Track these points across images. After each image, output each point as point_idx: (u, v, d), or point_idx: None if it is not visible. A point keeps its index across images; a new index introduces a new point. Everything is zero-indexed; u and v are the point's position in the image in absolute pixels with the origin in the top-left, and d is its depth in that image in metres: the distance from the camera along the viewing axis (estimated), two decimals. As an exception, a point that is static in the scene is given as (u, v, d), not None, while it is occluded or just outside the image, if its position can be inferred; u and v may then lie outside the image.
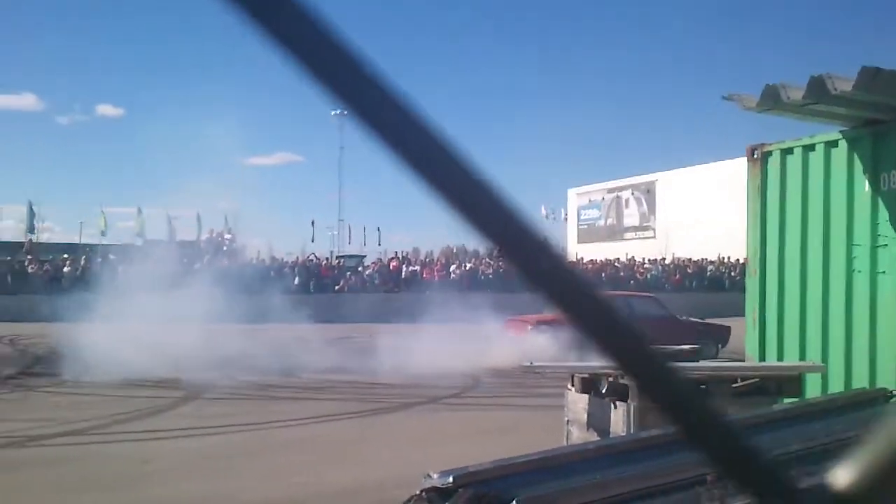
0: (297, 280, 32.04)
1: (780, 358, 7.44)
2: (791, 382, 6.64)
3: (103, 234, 41.16)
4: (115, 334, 17.50)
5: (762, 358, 7.61)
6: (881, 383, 6.35)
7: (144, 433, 9.34)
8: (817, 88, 6.09)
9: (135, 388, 12.85)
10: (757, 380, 6.66)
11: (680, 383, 0.41)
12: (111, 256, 32.51)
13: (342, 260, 37.46)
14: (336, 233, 52.14)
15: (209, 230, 38.31)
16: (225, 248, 36.62)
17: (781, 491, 0.40)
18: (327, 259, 37.27)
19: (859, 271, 6.90)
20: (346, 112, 0.45)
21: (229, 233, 39.21)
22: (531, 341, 16.48)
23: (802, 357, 7.22)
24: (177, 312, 23.28)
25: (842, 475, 0.40)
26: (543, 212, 54.59)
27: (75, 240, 42.44)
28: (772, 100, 6.52)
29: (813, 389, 6.85)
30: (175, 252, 34.30)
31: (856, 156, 6.98)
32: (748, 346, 7.84)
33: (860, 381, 6.63)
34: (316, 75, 0.44)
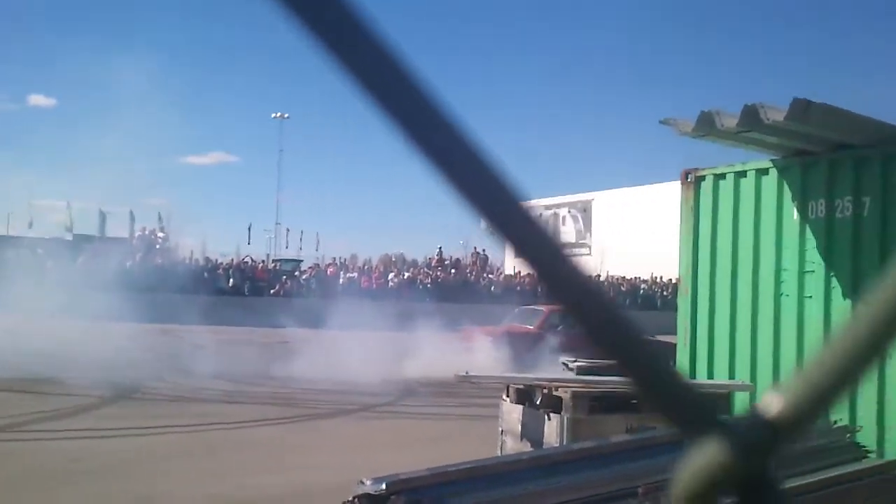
0: (230, 282, 31.57)
1: (709, 376, 7.65)
2: (720, 400, 6.84)
3: (31, 226, 39.89)
4: (25, 329, 16.98)
5: (692, 376, 7.81)
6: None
7: (69, 432, 9.09)
8: (751, 117, 6.32)
9: (50, 385, 12.48)
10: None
11: (624, 326, 0.45)
12: (39, 250, 31.50)
13: (278, 264, 37.03)
14: (273, 236, 51.57)
15: (141, 227, 37.46)
16: (157, 247, 35.87)
17: (711, 422, 0.44)
18: (263, 262, 36.81)
19: (787, 295, 7.16)
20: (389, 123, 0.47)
21: (162, 231, 38.44)
22: (487, 352, 16.46)
23: (731, 376, 7.44)
24: (101, 311, 22.75)
25: (773, 402, 0.44)
26: (483, 224, 54.96)
27: (1, 231, 41.01)
28: (707, 126, 6.74)
29: (741, 407, 7.07)
30: (106, 248, 33.46)
31: (785, 184, 7.25)
32: (679, 364, 8.04)
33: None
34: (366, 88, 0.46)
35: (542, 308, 20.05)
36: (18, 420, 9.60)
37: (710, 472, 0.42)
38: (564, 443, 5.99)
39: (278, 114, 55.13)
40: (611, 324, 0.45)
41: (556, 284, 0.45)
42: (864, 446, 5.94)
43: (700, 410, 0.46)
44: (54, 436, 8.93)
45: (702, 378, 7.69)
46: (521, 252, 0.47)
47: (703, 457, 0.43)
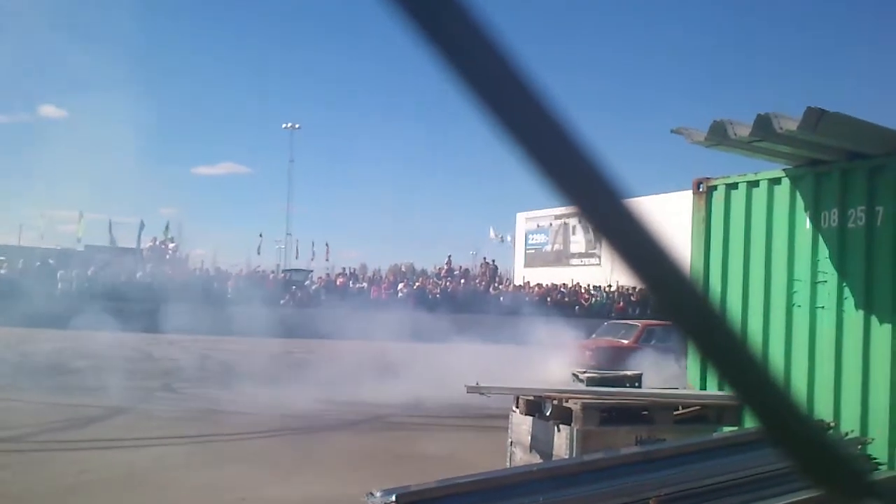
0: (241, 293, 31.60)
1: (720, 388, 7.59)
2: (731, 411, 6.78)
3: (42, 237, 40.09)
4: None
5: (703, 387, 7.75)
6: (819, 416, 6.52)
7: (79, 443, 9.10)
8: (763, 126, 6.28)
9: (60, 395, 12.50)
10: (698, 408, 6.79)
11: (773, 387, 0.43)
12: (50, 261, 31.65)
13: (288, 274, 37.08)
14: (283, 246, 51.65)
15: (152, 238, 37.60)
16: (168, 257, 36.00)
17: (866, 486, 0.41)
18: (273, 273, 36.87)
19: (799, 306, 7.10)
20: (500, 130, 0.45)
21: (172, 241, 38.58)
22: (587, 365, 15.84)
23: (741, 387, 7.37)
24: (112, 321, 22.85)
25: None
26: (492, 234, 54.94)
27: (13, 242, 41.26)
28: (719, 135, 6.70)
29: (752, 420, 6.99)
30: (117, 259, 33.64)
31: (798, 193, 7.20)
32: (690, 374, 7.98)
33: (796, 412, 6.79)
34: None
35: (637, 323, 20.10)
36: (28, 431, 9.61)
37: None
38: (574, 454, 5.94)
39: (289, 124, 55.30)
40: (752, 376, 0.42)
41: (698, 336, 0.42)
42: (876, 458, 5.87)
43: (854, 474, 0.42)
44: (64, 447, 8.92)
45: (713, 389, 7.63)
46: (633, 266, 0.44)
47: None
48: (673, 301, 0.44)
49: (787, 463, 0.42)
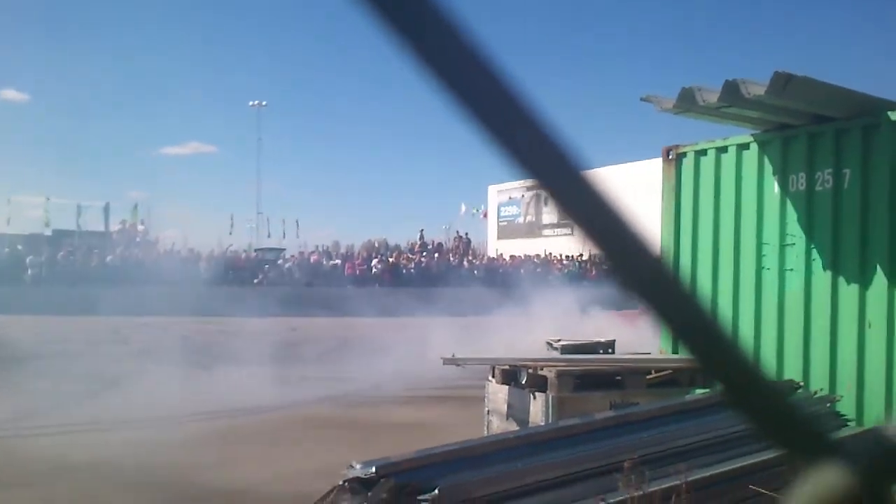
0: (213, 272, 31.40)
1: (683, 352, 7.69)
2: (702, 374, 6.89)
3: (9, 222, 39.45)
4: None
5: (675, 351, 7.85)
6: (788, 375, 6.65)
7: (61, 427, 9.04)
8: (731, 92, 6.32)
9: (37, 380, 12.41)
10: (669, 371, 6.89)
11: (733, 351, 0.43)
12: (19, 247, 31.20)
13: (261, 253, 36.88)
14: (255, 225, 51.25)
15: (120, 221, 37.16)
16: (137, 240, 35.63)
17: (828, 446, 0.42)
18: (245, 252, 36.65)
19: (768, 268, 7.20)
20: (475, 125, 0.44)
21: (141, 224, 38.18)
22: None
23: (713, 350, 7.48)
24: (85, 306, 22.63)
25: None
26: (463, 208, 54.92)
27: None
28: (687, 102, 6.74)
29: (712, 383, 7.11)
30: (85, 243, 33.23)
31: (766, 158, 7.28)
32: (662, 339, 8.08)
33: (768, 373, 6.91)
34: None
35: None
36: (4, 417, 9.54)
37: (829, 498, 0.40)
38: (550, 421, 6.01)
39: (255, 102, 54.71)
40: (713, 343, 0.43)
41: (641, 288, 0.42)
42: (844, 415, 6.00)
43: (816, 434, 0.43)
44: (40, 431, 8.87)
45: (682, 354, 7.73)
46: (590, 235, 0.44)
47: (821, 482, 0.40)
48: (633, 272, 0.45)
49: (747, 426, 0.43)
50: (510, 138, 0.45)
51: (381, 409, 10.31)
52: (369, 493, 4.07)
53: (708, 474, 4.46)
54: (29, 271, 28.86)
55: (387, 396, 11.38)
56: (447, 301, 22.49)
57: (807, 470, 0.41)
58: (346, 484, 4.22)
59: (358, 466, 4.24)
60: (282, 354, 15.56)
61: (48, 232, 36.14)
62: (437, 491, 3.95)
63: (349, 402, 11.04)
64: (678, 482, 3.50)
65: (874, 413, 6.28)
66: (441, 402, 10.70)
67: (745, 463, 4.70)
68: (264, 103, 55.06)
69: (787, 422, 0.43)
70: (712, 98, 6.51)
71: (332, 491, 4.28)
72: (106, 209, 37.54)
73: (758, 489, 4.34)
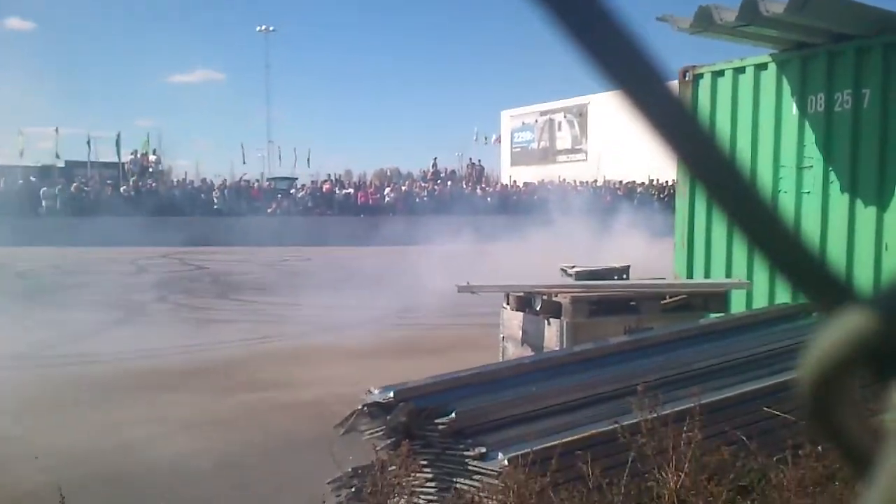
0: (226, 203, 31.48)
1: (706, 276, 7.71)
2: (717, 299, 6.91)
3: (22, 154, 39.42)
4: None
5: (690, 276, 7.87)
6: (803, 299, 6.65)
7: (77, 357, 9.22)
8: (750, 10, 6.16)
9: (58, 311, 12.62)
10: (684, 296, 6.91)
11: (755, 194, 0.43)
12: (32, 178, 31.28)
13: (273, 182, 36.86)
14: (265, 154, 51.06)
15: (132, 151, 37.05)
16: (150, 170, 35.63)
17: (850, 293, 0.42)
18: (258, 181, 36.63)
19: (785, 192, 7.14)
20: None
21: (154, 154, 38.09)
22: None
23: (728, 275, 7.49)
24: (99, 237, 22.79)
25: None
26: (476, 134, 54.45)
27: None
28: (705, 21, 6.58)
29: (738, 305, 7.14)
30: (98, 174, 33.29)
31: (784, 78, 7.14)
32: (677, 264, 8.09)
33: (783, 296, 6.93)
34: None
35: None
36: (24, 350, 9.74)
37: (849, 345, 0.39)
38: (564, 346, 6.08)
39: (263, 27, 53.85)
40: (745, 197, 0.42)
41: (693, 157, 0.42)
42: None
43: (837, 282, 0.43)
44: (71, 360, 9.05)
45: (699, 277, 7.75)
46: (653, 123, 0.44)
47: (841, 329, 0.40)
48: (716, 181, 0.44)
49: (778, 276, 0.43)
50: (598, 44, 0.44)
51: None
52: (388, 417, 4.16)
53: (721, 397, 4.51)
54: (43, 203, 29.01)
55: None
56: (461, 229, 22.48)
57: (829, 315, 0.41)
58: (365, 408, 4.31)
59: (376, 391, 4.32)
60: (296, 284, 15.71)
61: (60, 164, 36.14)
62: (453, 414, 4.02)
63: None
64: (691, 405, 3.54)
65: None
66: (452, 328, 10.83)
67: (758, 386, 4.75)
68: (272, 28, 54.21)
69: (811, 269, 0.43)
70: (730, 17, 6.35)
71: (351, 415, 4.37)
72: (118, 140, 37.42)
73: (771, 411, 4.39)
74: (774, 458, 3.67)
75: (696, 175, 0.43)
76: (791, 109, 7.08)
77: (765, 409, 4.43)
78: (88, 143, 37.19)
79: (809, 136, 6.95)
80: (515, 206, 32.68)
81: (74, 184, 30.41)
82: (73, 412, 6.83)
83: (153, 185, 32.37)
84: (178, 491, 4.90)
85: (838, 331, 0.40)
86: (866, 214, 6.50)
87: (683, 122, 0.44)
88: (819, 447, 3.61)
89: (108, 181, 31.74)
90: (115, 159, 36.87)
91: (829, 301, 0.41)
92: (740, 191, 0.43)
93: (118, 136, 37.34)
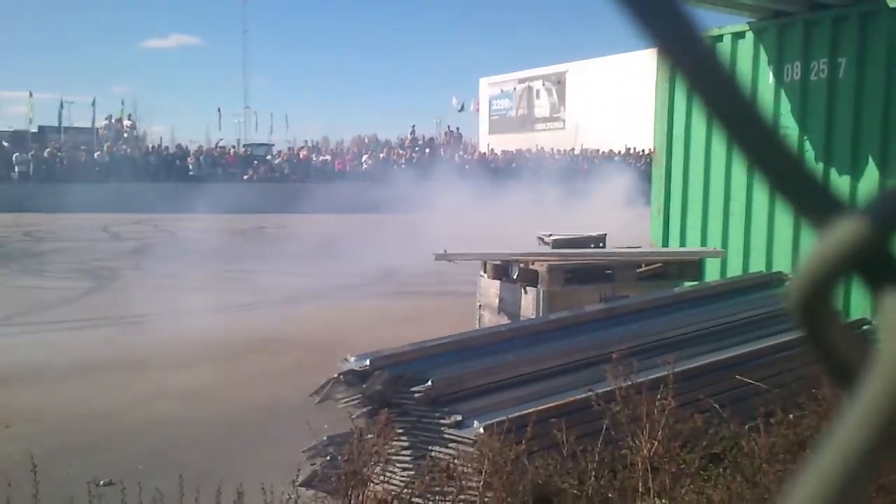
0: (202, 169, 31.17)
1: (682, 244, 7.76)
2: (691, 267, 6.96)
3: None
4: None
5: (665, 244, 7.91)
6: (777, 268, 6.72)
7: (53, 324, 9.14)
8: (729, -22, 6.15)
9: (29, 278, 12.49)
10: (659, 264, 6.95)
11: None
12: (4, 143, 30.73)
13: (249, 149, 36.50)
14: (242, 120, 50.48)
15: (106, 116, 36.47)
16: (125, 135, 35.13)
17: (840, 205, 0.42)
18: (234, 147, 36.26)
19: (760, 160, 7.16)
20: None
21: (129, 119, 37.55)
22: None
23: (704, 243, 7.54)
24: (74, 202, 22.52)
25: None
26: (455, 101, 54.10)
27: (-39, 125, 39.75)
28: (685, -11, 6.55)
29: (712, 274, 7.20)
30: (72, 139, 32.77)
31: (761, 47, 7.14)
32: (652, 232, 8.13)
33: (757, 265, 6.99)
34: None
35: None
36: (7, 313, 9.64)
37: (841, 253, 0.39)
38: (540, 314, 6.10)
39: (242, -8, 52.92)
40: (739, 109, 0.42)
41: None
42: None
43: (831, 195, 0.43)
44: (42, 328, 8.97)
45: (674, 246, 7.80)
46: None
47: (833, 238, 0.40)
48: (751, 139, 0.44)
49: (767, 185, 0.43)
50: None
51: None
52: (364, 385, 4.16)
53: (695, 365, 4.56)
54: (16, 168, 28.55)
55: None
56: (438, 196, 22.41)
57: (821, 228, 0.42)
58: (342, 376, 4.31)
59: (352, 359, 4.31)
60: (273, 251, 15.63)
61: (34, 129, 35.52)
62: (429, 382, 4.03)
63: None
64: (665, 373, 3.57)
65: (863, 301, 6.39)
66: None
67: (731, 354, 4.80)
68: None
69: (804, 183, 0.43)
70: (709, -16, 6.33)
71: (327, 383, 4.37)
72: (93, 105, 36.80)
73: (744, 379, 4.44)
74: (746, 426, 3.72)
75: (697, 91, 0.43)
76: (767, 78, 7.09)
77: (737, 377, 4.49)
78: (61, 106, 36.52)
79: (785, 105, 6.97)
80: (493, 173, 32.61)
81: (48, 149, 29.95)
82: (46, 381, 6.78)
83: (127, 150, 31.95)
84: (152, 460, 4.89)
85: (830, 239, 0.40)
86: (840, 183, 6.55)
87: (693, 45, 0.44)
88: (790, 415, 3.67)
89: (82, 147, 31.26)
90: (90, 125, 36.32)
91: (821, 214, 0.41)
92: (740, 106, 0.43)
93: (93, 101, 36.76)
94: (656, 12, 0.43)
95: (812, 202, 0.42)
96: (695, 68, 0.44)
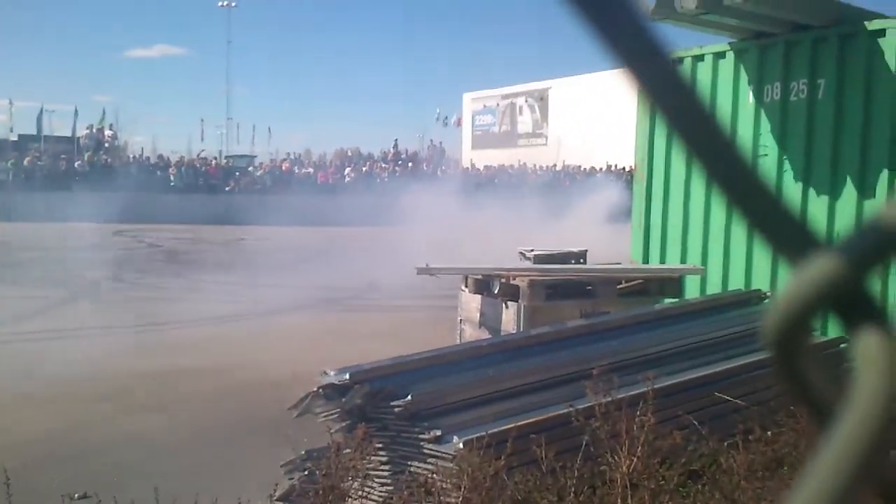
0: (183, 180, 30.99)
1: (662, 261, 7.80)
2: (672, 284, 6.99)
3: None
4: None
5: (645, 260, 7.95)
6: (756, 285, 6.77)
7: (30, 334, 9.03)
8: (711, -1, 6.21)
9: (7, 287, 12.35)
10: (640, 281, 6.98)
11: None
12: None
13: (231, 160, 36.35)
14: (225, 131, 50.26)
15: (87, 126, 36.20)
16: (106, 145, 34.88)
17: (815, 241, 0.42)
18: (215, 159, 36.09)
19: (739, 179, 7.22)
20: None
21: (110, 129, 37.30)
22: None
23: (683, 260, 7.58)
24: (53, 212, 22.31)
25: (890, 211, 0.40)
26: (438, 113, 54.15)
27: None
28: (666, 8, 6.61)
29: (692, 291, 7.24)
30: (52, 148, 32.50)
31: (742, 67, 7.22)
32: (633, 249, 8.16)
33: (736, 283, 7.04)
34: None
35: None
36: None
37: (817, 289, 0.39)
38: (522, 329, 6.10)
39: (225, 2, 52.88)
40: (723, 150, 0.42)
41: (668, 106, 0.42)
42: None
43: (808, 232, 0.43)
44: (17, 338, 8.86)
45: (654, 262, 7.83)
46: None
47: (809, 275, 0.40)
48: (717, 165, 0.44)
49: (745, 223, 0.43)
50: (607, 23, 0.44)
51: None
52: (343, 399, 4.13)
53: (674, 382, 4.57)
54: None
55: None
56: (421, 210, 22.42)
57: (798, 264, 0.42)
58: (321, 390, 4.28)
59: (332, 373, 4.29)
60: (254, 263, 15.55)
61: (14, 137, 35.19)
62: (409, 397, 4.02)
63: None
64: (645, 389, 3.58)
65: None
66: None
67: (710, 371, 4.82)
68: (234, 4, 53.26)
69: (781, 220, 0.43)
70: (691, 4, 6.39)
71: (306, 397, 4.34)
72: (74, 114, 36.51)
73: (723, 396, 4.46)
74: (725, 443, 3.73)
75: (677, 130, 0.43)
76: (748, 98, 7.16)
77: (716, 394, 4.50)
78: (40, 115, 36.21)
79: (765, 124, 7.04)
80: (475, 188, 32.65)
81: (27, 158, 29.68)
82: (23, 392, 6.69)
83: (108, 160, 31.73)
84: (132, 471, 4.83)
85: (806, 276, 0.40)
86: (819, 203, 6.61)
87: (666, 74, 0.44)
88: (768, 432, 3.68)
89: (63, 156, 31.00)
90: (70, 134, 36.02)
91: (797, 250, 0.42)
92: (718, 144, 0.43)
93: (75, 110, 36.49)
94: (623, 34, 0.43)
95: (788, 238, 0.42)
96: (666, 99, 0.44)
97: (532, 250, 7.74)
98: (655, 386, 3.70)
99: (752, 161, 0.43)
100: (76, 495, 4.23)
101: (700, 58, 7.54)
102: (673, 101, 0.44)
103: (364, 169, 35.32)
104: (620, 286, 6.87)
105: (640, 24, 0.44)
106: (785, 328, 0.40)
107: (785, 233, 0.41)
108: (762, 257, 6.97)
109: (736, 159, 0.42)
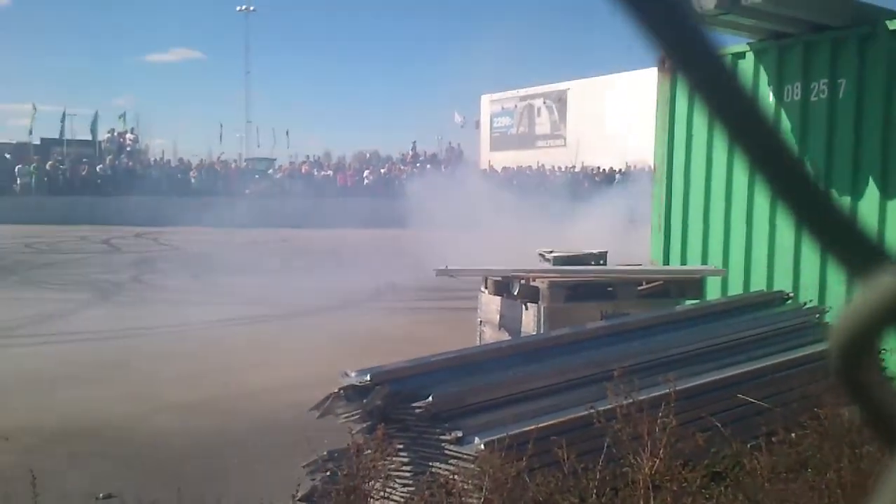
0: (203, 183, 31.20)
1: (683, 262, 7.76)
2: (693, 285, 6.96)
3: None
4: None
5: (666, 262, 7.91)
6: (778, 286, 6.72)
7: (57, 336, 9.13)
8: (730, -1, 6.18)
9: (32, 289, 12.49)
10: (660, 282, 6.96)
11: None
12: (7, 155, 30.79)
13: (251, 163, 36.56)
14: (244, 135, 50.58)
15: (109, 129, 36.53)
16: (128, 149, 35.20)
17: (883, 257, 0.42)
18: (235, 162, 36.32)
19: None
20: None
21: (132, 132, 37.63)
22: None
23: (704, 261, 7.54)
24: (75, 215, 22.54)
25: None
26: (457, 118, 54.19)
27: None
28: (686, 9, 6.59)
29: (714, 292, 7.20)
30: (74, 152, 32.83)
31: (761, 68, 7.18)
32: (653, 250, 8.13)
33: (758, 284, 6.99)
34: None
35: None
36: (8, 325, 9.63)
37: (883, 306, 0.39)
38: (541, 331, 6.10)
39: (243, 7, 53.24)
40: (783, 162, 0.42)
41: (735, 123, 0.42)
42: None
43: (872, 245, 0.43)
44: (43, 340, 8.96)
45: (675, 264, 7.80)
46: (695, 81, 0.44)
47: (875, 291, 0.39)
48: (764, 155, 0.44)
49: (812, 240, 0.44)
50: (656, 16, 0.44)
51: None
52: (364, 401, 4.15)
53: (696, 383, 4.55)
54: (18, 181, 28.61)
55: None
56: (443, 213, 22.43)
57: (865, 279, 0.41)
58: (341, 391, 4.30)
59: (353, 374, 4.31)
60: (278, 264, 15.63)
61: (36, 141, 35.59)
62: (430, 398, 4.03)
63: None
64: (667, 391, 3.57)
65: None
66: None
67: (732, 373, 4.80)
68: (252, 8, 53.63)
69: (847, 234, 0.43)
70: (710, 5, 6.36)
71: (327, 398, 4.36)
72: (95, 118, 36.84)
73: (746, 398, 4.44)
74: (748, 445, 3.71)
75: (746, 151, 0.43)
76: (768, 98, 7.12)
77: (739, 395, 4.48)
78: (63, 119, 36.57)
79: (786, 125, 7.00)
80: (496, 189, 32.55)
81: (50, 161, 30.02)
82: (47, 392, 6.76)
83: (129, 164, 32.01)
84: (153, 474, 4.88)
85: (872, 292, 0.39)
86: (841, 204, 6.56)
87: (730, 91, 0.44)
88: (792, 434, 3.66)
89: (84, 160, 31.32)
90: (91, 138, 36.34)
91: (863, 265, 0.41)
92: (784, 161, 0.44)
93: (95, 114, 36.82)
94: (670, 27, 0.43)
95: (855, 253, 0.41)
96: (721, 105, 0.44)
97: (551, 252, 7.74)
98: (677, 387, 3.69)
99: (817, 175, 0.43)
100: (100, 495, 4.28)
101: (720, 58, 7.51)
102: (736, 118, 0.44)
103: (383, 171, 35.39)
104: (641, 287, 6.85)
105: (696, 26, 0.44)
106: (851, 347, 0.39)
107: (851, 247, 0.40)
108: (784, 258, 6.93)
109: (800, 174, 0.42)
